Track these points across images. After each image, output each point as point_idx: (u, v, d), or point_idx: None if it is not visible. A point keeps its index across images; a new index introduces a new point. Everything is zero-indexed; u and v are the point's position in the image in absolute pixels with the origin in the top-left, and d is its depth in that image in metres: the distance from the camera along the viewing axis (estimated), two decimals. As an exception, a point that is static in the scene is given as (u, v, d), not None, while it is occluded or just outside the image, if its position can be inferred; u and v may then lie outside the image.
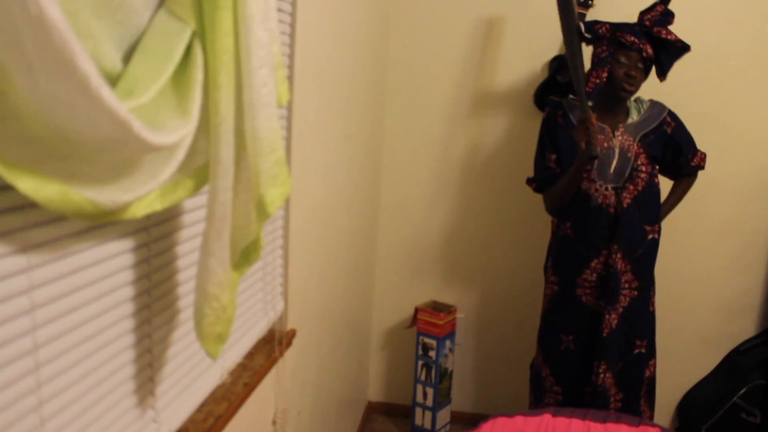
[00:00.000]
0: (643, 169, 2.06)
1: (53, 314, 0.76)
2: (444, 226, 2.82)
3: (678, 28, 2.55)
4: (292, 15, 1.50)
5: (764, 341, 2.63)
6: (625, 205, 2.05)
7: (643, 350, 2.13)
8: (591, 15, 2.47)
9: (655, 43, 2.03)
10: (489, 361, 2.90)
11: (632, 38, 1.98)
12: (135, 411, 0.99)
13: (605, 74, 2.03)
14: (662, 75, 2.08)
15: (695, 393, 2.72)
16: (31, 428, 0.74)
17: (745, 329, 2.69)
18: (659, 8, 2.04)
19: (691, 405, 2.71)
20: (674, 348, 2.73)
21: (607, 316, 2.07)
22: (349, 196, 2.27)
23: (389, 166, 2.81)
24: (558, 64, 2.53)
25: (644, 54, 1.99)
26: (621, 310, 2.09)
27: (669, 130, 2.12)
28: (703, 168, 2.23)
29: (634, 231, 2.07)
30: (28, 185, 0.58)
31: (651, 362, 2.17)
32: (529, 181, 2.23)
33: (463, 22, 2.63)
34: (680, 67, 2.52)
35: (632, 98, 2.15)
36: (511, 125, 2.69)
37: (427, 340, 2.68)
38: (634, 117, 2.11)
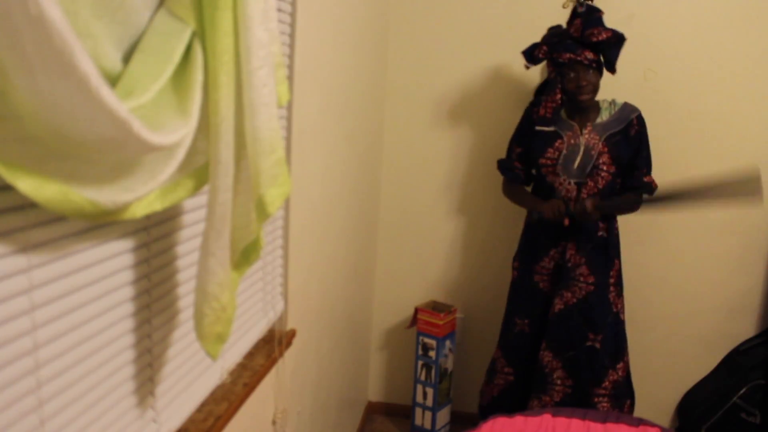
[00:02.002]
0: (605, 168, 2.13)
1: (53, 314, 0.76)
2: (444, 225, 2.82)
3: (678, 28, 2.55)
4: (292, 15, 1.50)
5: (764, 341, 2.63)
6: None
7: (597, 345, 2.18)
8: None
9: (593, 44, 2.06)
10: (489, 361, 2.89)
11: (568, 55, 2.04)
12: (135, 411, 0.99)
13: (558, 96, 2.11)
14: (611, 69, 2.10)
15: (695, 393, 2.72)
16: (31, 428, 0.74)
17: (745, 329, 2.68)
18: (578, 21, 2.06)
19: (691, 405, 2.71)
20: (674, 348, 2.73)
21: (554, 300, 2.19)
22: (349, 196, 2.27)
23: (389, 166, 2.81)
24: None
25: (585, 62, 2.04)
26: (575, 300, 2.18)
27: (632, 132, 2.16)
28: (651, 191, 2.18)
29: (587, 225, 2.15)
30: (28, 185, 0.58)
31: (619, 366, 2.22)
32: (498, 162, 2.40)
33: (463, 22, 2.63)
34: (680, 68, 2.53)
35: (606, 100, 2.21)
36: (511, 125, 2.68)
37: (427, 340, 2.68)
38: (603, 117, 2.17)
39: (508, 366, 2.35)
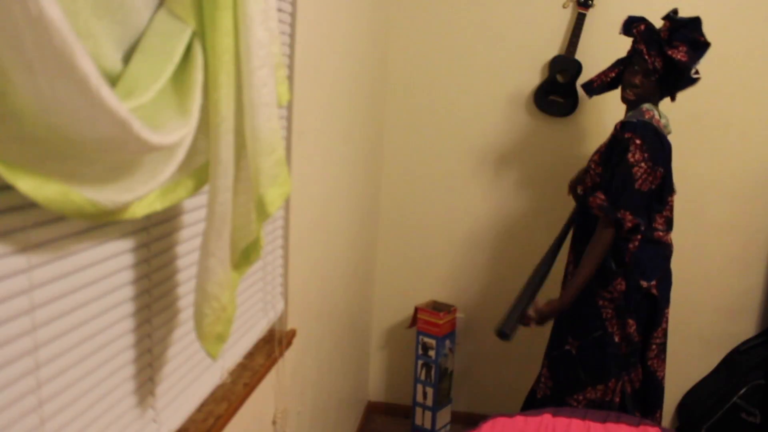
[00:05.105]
0: (593, 166, 2.07)
1: (53, 314, 0.76)
2: (444, 225, 2.82)
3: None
4: (292, 15, 1.50)
5: (764, 341, 2.63)
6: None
7: (574, 351, 2.07)
8: (590, 15, 2.47)
9: (667, 57, 1.91)
10: (489, 361, 2.90)
11: (642, 47, 1.92)
12: (135, 411, 0.99)
13: (613, 74, 2.04)
14: (672, 95, 2.03)
15: (695, 393, 2.72)
16: (31, 428, 0.74)
17: (745, 329, 2.68)
18: (672, 27, 1.94)
19: (691, 405, 2.71)
20: (674, 348, 2.72)
21: None
22: (349, 196, 2.27)
23: (390, 166, 2.81)
24: (558, 64, 2.53)
25: (650, 67, 1.91)
26: None
27: (617, 145, 1.95)
28: (599, 215, 1.95)
29: (577, 224, 2.15)
30: (28, 185, 0.58)
31: (599, 387, 2.03)
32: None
33: (464, 22, 2.63)
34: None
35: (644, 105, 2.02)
36: (511, 125, 2.68)
37: (426, 339, 2.68)
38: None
39: None
